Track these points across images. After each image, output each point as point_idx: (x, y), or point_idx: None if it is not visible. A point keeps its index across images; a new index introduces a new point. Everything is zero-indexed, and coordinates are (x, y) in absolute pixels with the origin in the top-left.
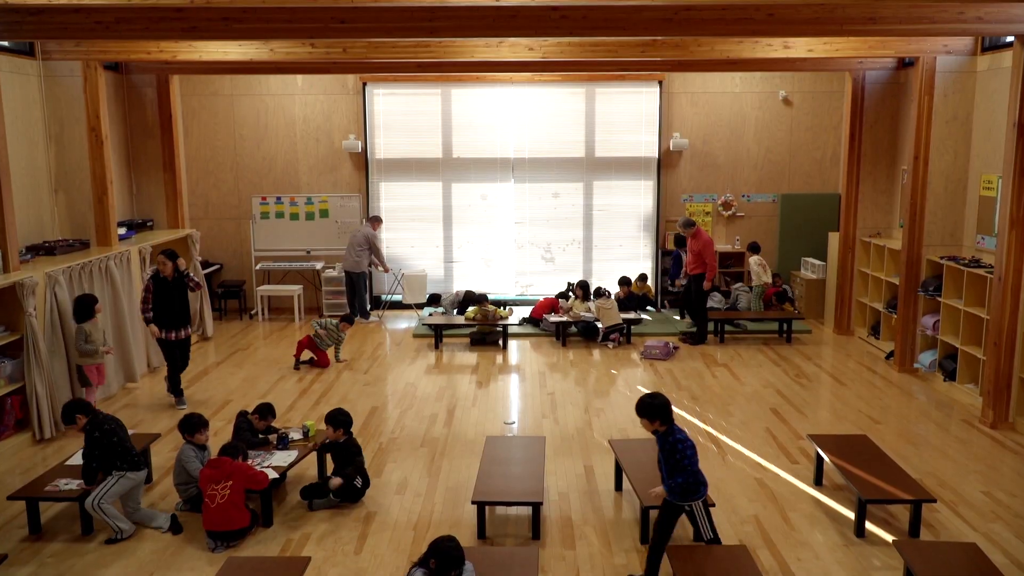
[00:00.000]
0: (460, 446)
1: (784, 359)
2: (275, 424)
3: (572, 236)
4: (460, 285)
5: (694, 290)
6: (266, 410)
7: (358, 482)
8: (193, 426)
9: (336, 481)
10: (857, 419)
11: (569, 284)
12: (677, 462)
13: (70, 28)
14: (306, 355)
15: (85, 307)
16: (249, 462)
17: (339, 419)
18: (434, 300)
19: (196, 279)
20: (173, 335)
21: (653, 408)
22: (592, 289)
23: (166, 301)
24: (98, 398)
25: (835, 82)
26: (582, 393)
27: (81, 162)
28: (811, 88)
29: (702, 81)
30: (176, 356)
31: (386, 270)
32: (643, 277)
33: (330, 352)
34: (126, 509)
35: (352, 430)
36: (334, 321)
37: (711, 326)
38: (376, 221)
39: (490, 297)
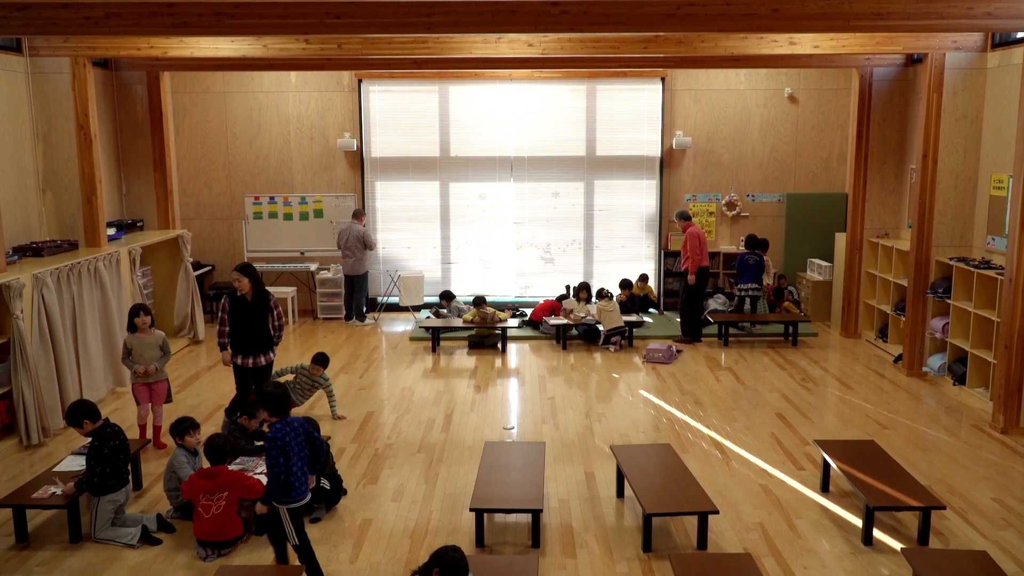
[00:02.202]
0: (458, 452)
1: (790, 362)
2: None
3: (572, 236)
4: (458, 287)
5: (682, 286)
6: (255, 408)
7: (324, 484)
8: (183, 429)
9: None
10: (864, 424)
11: (568, 288)
12: (268, 463)
13: (58, 23)
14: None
15: (128, 318)
16: (242, 467)
17: None
18: (445, 297)
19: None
20: (251, 361)
21: (262, 396)
22: (594, 291)
23: (244, 323)
24: (160, 422)
25: (842, 79)
26: (583, 397)
27: (69, 161)
28: (817, 85)
29: (705, 78)
30: (249, 385)
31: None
32: (644, 277)
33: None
34: (114, 520)
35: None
36: (304, 365)
37: (715, 328)
38: (361, 215)
39: (491, 300)
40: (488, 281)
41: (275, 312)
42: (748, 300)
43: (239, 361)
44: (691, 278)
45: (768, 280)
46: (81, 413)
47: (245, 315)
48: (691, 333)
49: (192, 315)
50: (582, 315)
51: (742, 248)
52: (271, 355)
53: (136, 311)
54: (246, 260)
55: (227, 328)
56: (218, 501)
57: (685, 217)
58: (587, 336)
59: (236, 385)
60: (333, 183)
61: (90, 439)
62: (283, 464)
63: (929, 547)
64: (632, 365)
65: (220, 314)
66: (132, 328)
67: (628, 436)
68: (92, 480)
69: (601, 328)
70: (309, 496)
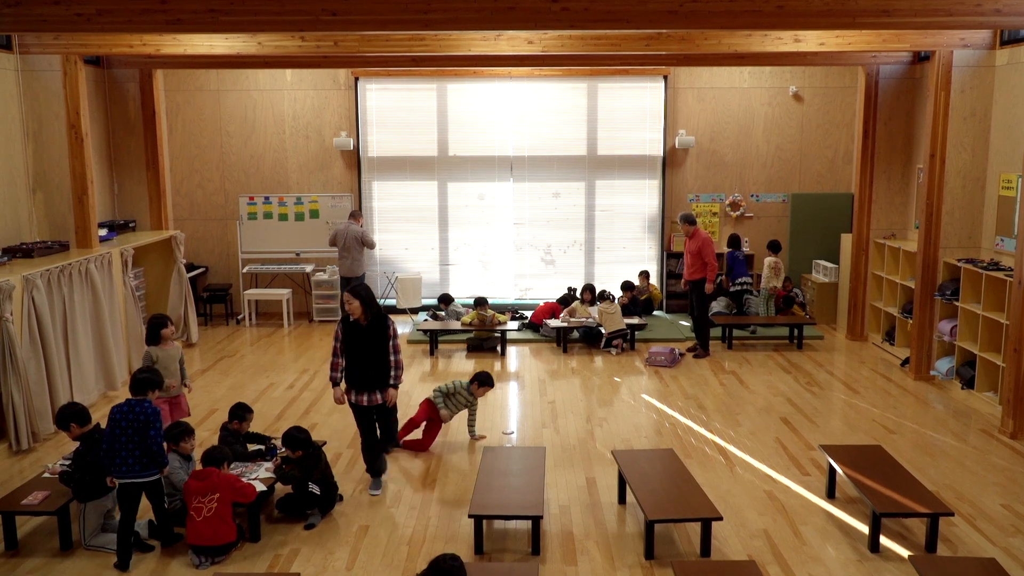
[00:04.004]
0: (457, 457)
1: (795, 366)
2: (264, 434)
3: (573, 237)
4: (457, 289)
5: (695, 296)
6: (242, 409)
7: (314, 489)
8: (178, 435)
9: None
10: (871, 429)
11: (570, 289)
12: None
13: (49, 20)
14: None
15: (152, 329)
16: (235, 472)
17: (297, 440)
18: (443, 300)
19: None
20: (365, 398)
21: (132, 379)
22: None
23: (358, 353)
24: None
25: (848, 77)
26: (584, 402)
27: (60, 160)
28: (823, 83)
29: (709, 76)
30: (371, 425)
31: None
32: (645, 274)
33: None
34: (105, 527)
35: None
36: (463, 382)
37: (717, 331)
38: (359, 215)
39: (491, 303)
40: (487, 283)
41: (394, 342)
42: (744, 293)
43: (353, 399)
44: (709, 287)
45: (777, 283)
46: (68, 416)
47: (359, 343)
48: (705, 347)
49: (185, 318)
50: (583, 317)
51: (746, 249)
52: (391, 391)
53: (164, 321)
54: (240, 261)
55: (340, 360)
56: (209, 503)
57: (691, 221)
58: (588, 339)
59: (359, 428)
60: (329, 183)
61: (78, 443)
62: (106, 436)
63: (937, 554)
64: (634, 368)
65: (334, 344)
66: (156, 339)
67: (630, 441)
68: (75, 484)
69: (603, 331)
70: (141, 480)
